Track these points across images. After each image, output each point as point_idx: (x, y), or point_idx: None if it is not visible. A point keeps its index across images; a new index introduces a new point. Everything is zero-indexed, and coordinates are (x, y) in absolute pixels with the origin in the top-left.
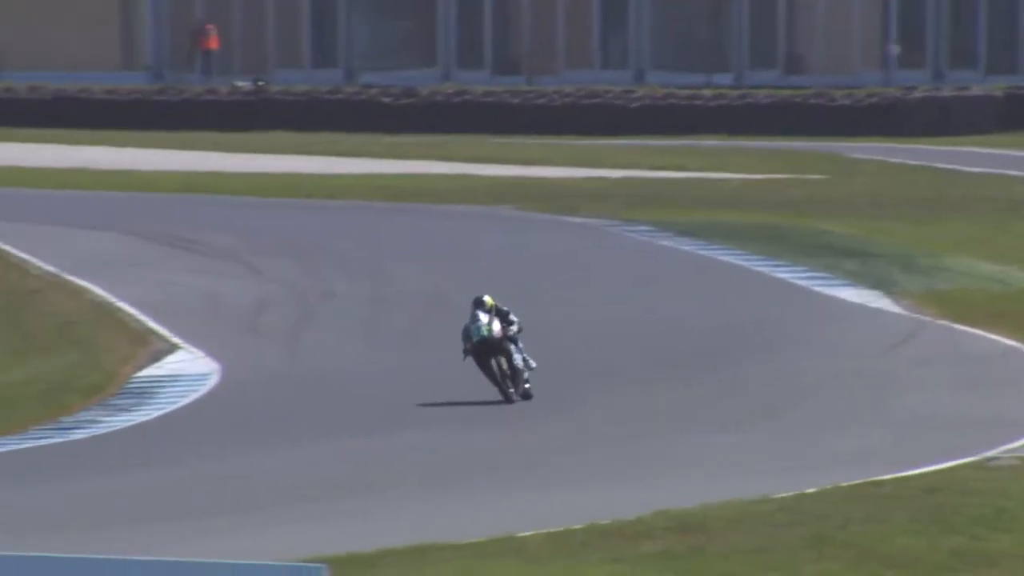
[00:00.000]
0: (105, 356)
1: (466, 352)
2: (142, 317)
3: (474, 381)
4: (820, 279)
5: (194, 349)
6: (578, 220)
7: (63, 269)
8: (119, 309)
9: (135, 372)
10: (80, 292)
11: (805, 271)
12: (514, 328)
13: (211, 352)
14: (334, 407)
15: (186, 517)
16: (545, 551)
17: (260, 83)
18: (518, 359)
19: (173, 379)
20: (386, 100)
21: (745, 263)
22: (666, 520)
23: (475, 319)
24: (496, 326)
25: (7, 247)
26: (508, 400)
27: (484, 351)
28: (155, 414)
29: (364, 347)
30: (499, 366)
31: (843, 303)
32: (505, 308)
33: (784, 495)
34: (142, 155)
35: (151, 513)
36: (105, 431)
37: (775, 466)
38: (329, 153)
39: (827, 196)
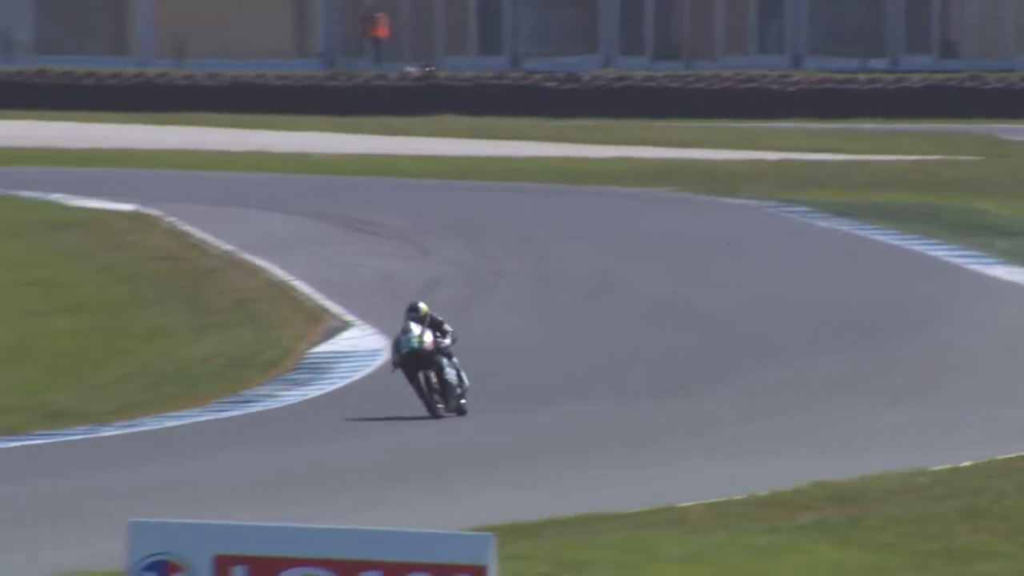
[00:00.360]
0: (281, 333)
1: (395, 364)
2: (316, 295)
3: (642, 357)
4: (973, 258)
5: (366, 326)
6: (736, 201)
7: (241, 248)
8: (294, 287)
9: (310, 348)
10: (257, 271)
11: (959, 250)
12: (447, 340)
13: (383, 329)
14: (501, 381)
15: (357, 487)
16: (705, 521)
17: (429, 69)
18: (451, 374)
19: (346, 355)
20: (550, 85)
21: (900, 242)
22: (824, 491)
23: (406, 330)
24: (428, 337)
25: (188, 227)
26: (434, 416)
27: (413, 363)
28: (329, 389)
29: (531, 324)
30: (427, 380)
31: (996, 281)
32: (440, 317)
33: (940, 468)
34: (315, 139)
35: (323, 483)
36: (281, 405)
37: (931, 440)
38: (496, 137)
39: (980, 177)
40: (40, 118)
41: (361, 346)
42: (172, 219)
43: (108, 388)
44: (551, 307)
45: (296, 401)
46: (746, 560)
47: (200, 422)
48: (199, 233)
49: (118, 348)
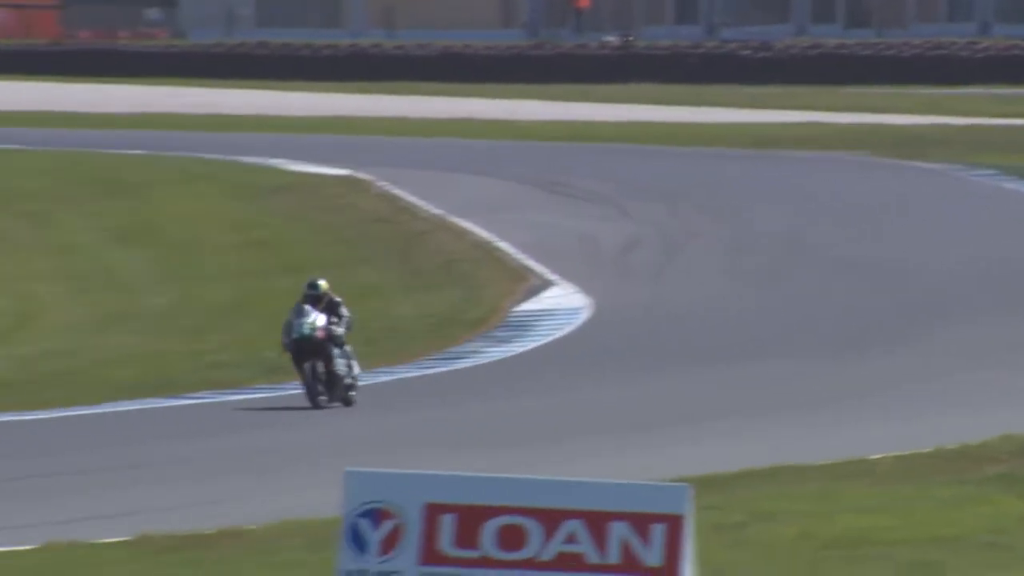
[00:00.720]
0: (486, 292)
1: (284, 347)
2: (520, 256)
3: (831, 316)
4: None
5: (568, 285)
6: (925, 165)
7: (448, 212)
8: (499, 248)
9: (514, 306)
10: (463, 233)
11: None
12: (341, 328)
13: (583, 288)
14: (698, 339)
15: (562, 439)
16: (894, 473)
17: (628, 39)
18: (339, 364)
19: (549, 313)
20: (744, 54)
21: None
22: (1011, 444)
23: (300, 312)
24: (321, 322)
25: (398, 191)
26: (315, 406)
27: (302, 350)
28: (532, 345)
29: (725, 283)
30: (313, 368)
31: None
32: (338, 299)
33: None
34: (519, 106)
35: (528, 436)
36: (487, 361)
37: None
38: (693, 103)
39: None
40: (260, 87)
41: (563, 304)
42: (383, 183)
43: None
44: (744, 267)
45: (502, 357)
46: (932, 510)
47: (409, 377)
48: (408, 197)
49: None
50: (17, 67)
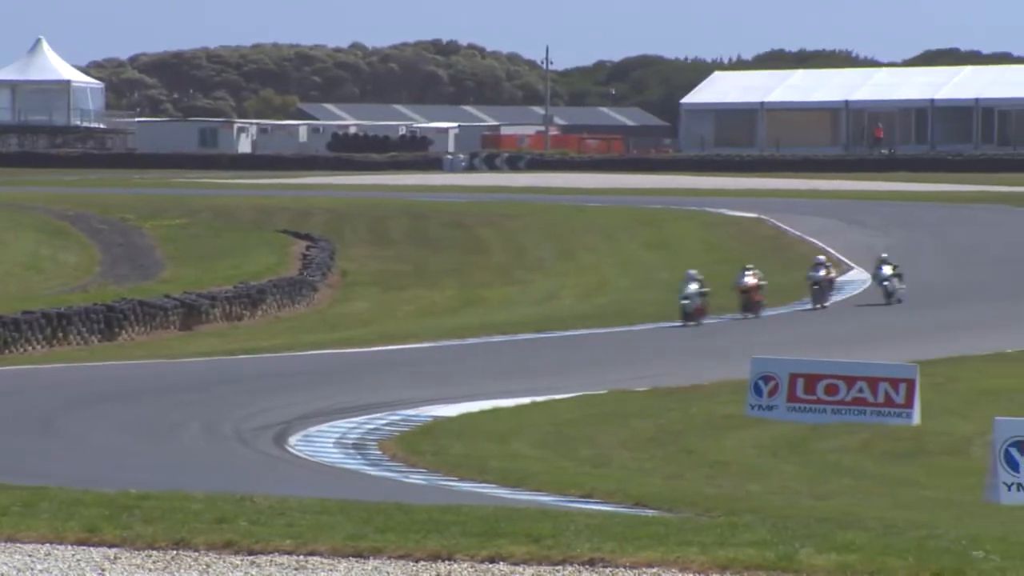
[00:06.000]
0: None
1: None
2: (837, 254)
3: None
4: None
5: (859, 269)
6: None
7: (805, 234)
8: (828, 251)
9: (836, 279)
10: (811, 245)
11: None
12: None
13: (867, 269)
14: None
15: (887, 339)
16: None
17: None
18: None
19: (852, 281)
20: None
21: None
22: None
23: (739, 275)
24: (753, 280)
25: (782, 225)
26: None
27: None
28: (847, 296)
29: (942, 270)
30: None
31: None
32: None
33: None
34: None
35: (869, 336)
36: (828, 304)
37: None
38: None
39: None
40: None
41: (857, 277)
42: (773, 221)
43: None
44: (955, 262)
45: (839, 300)
46: None
47: (804, 309)
48: (786, 227)
49: None
50: (600, 167)
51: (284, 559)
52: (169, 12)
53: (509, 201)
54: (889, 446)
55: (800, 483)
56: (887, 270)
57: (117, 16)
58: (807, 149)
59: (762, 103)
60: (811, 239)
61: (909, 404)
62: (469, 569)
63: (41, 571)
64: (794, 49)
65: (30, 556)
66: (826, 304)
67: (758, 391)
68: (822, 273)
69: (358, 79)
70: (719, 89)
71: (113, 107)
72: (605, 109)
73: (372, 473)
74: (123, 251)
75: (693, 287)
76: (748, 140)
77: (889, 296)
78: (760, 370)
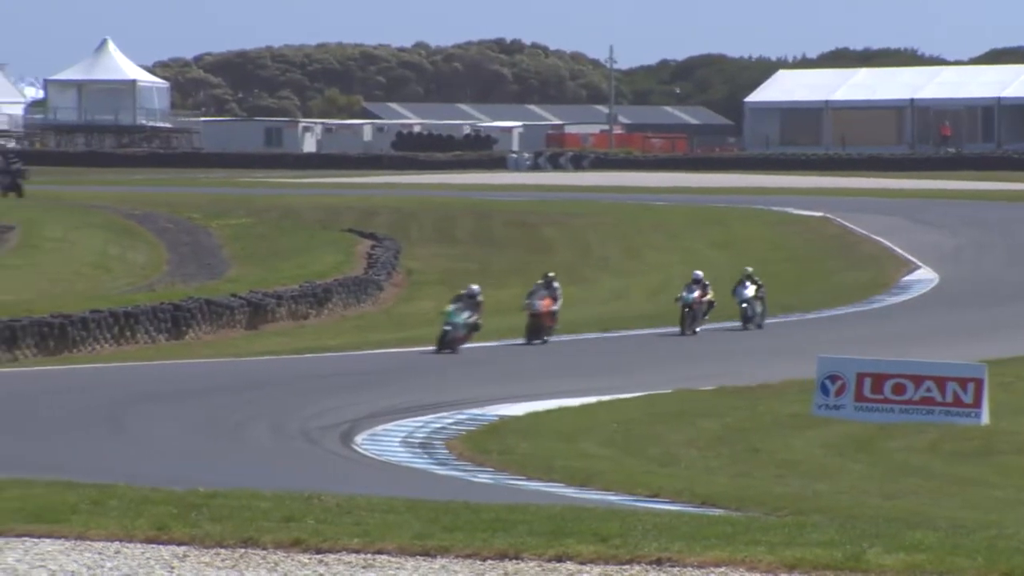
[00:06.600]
0: (887, 271)
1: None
2: (904, 254)
3: None
4: None
5: (927, 268)
6: None
7: (871, 233)
8: (894, 250)
9: (902, 278)
10: (879, 243)
11: None
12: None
13: (935, 268)
14: None
15: (945, 337)
16: None
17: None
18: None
19: (919, 281)
20: None
21: None
22: None
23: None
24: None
25: (847, 223)
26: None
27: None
28: (913, 296)
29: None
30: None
31: None
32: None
33: None
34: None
35: (926, 336)
36: (891, 304)
37: None
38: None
39: None
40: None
41: (924, 277)
42: (839, 220)
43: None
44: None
45: (901, 300)
46: None
47: (867, 309)
48: (851, 226)
49: None
50: (665, 166)
51: (352, 557)
52: (234, 12)
53: (574, 200)
54: (958, 446)
55: (868, 483)
56: (749, 290)
57: (182, 16)
58: (873, 148)
59: (827, 102)
60: (877, 238)
61: (977, 403)
62: (536, 568)
63: (111, 569)
64: (859, 48)
65: (99, 554)
66: (696, 330)
67: (825, 391)
68: (695, 294)
69: (422, 78)
70: (784, 88)
71: (178, 107)
72: (669, 108)
73: (439, 472)
74: (190, 250)
75: (748, 290)
76: (813, 139)
77: (747, 320)
78: (826, 369)
